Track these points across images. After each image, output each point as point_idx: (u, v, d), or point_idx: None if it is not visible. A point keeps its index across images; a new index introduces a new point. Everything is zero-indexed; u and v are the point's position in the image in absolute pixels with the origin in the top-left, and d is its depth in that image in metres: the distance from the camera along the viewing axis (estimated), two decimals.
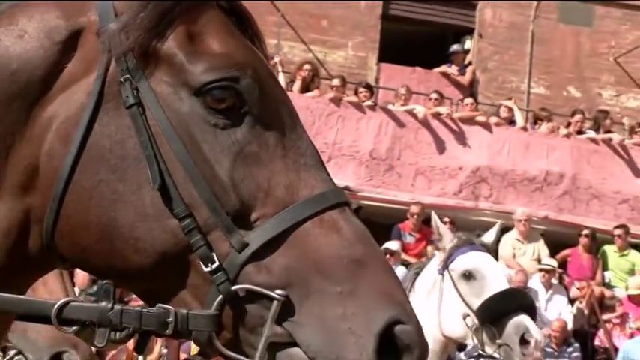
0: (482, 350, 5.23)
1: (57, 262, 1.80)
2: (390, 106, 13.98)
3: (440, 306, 5.29)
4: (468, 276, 5.23)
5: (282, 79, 13.05)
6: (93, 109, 1.66)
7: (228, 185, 1.63)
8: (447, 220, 12.06)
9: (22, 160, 1.72)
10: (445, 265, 5.32)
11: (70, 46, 1.71)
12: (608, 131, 14.65)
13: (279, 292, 1.58)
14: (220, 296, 1.60)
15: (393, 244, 11.65)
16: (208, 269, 1.61)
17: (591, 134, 14.60)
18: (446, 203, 13.52)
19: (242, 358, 1.61)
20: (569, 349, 11.83)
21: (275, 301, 1.57)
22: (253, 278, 1.61)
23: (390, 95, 14.71)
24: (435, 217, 5.69)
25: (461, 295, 5.20)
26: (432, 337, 5.00)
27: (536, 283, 12.38)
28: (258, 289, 1.59)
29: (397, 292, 1.63)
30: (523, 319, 5.07)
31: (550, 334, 11.52)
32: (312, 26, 15.78)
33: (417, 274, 5.49)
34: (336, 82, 14.14)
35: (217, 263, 1.61)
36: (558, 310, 12.33)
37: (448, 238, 5.48)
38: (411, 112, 13.81)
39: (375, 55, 16.11)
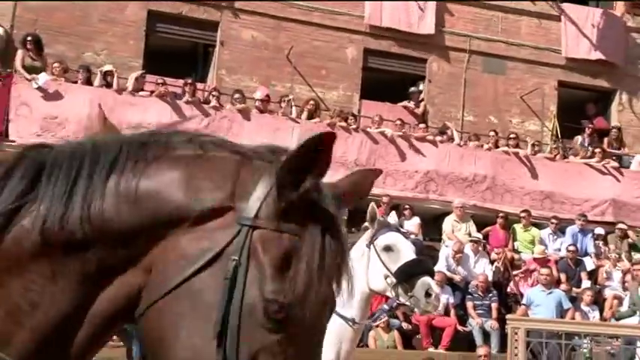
0: (398, 300, 5.40)
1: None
2: (368, 129, 14.30)
3: (367, 270, 5.34)
4: (388, 249, 5.30)
5: (294, 111, 13.99)
6: (207, 261, 1.60)
7: None
8: (407, 206, 13.55)
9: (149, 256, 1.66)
10: (371, 241, 5.37)
11: (219, 213, 1.63)
12: (517, 146, 15.08)
13: None
14: None
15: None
16: None
17: (505, 148, 15.01)
18: (406, 195, 13.91)
19: None
20: (490, 295, 12.31)
21: None
22: None
23: (368, 121, 14.74)
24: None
25: (383, 262, 5.28)
26: (361, 291, 5.32)
27: (468, 249, 13.05)
28: None
29: None
30: (427, 279, 5.24)
31: (477, 284, 12.32)
32: (314, 74, 15.68)
33: (352, 245, 5.34)
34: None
35: None
36: (483, 268, 12.89)
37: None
38: (382, 133, 14.19)
39: (358, 94, 15.99)
